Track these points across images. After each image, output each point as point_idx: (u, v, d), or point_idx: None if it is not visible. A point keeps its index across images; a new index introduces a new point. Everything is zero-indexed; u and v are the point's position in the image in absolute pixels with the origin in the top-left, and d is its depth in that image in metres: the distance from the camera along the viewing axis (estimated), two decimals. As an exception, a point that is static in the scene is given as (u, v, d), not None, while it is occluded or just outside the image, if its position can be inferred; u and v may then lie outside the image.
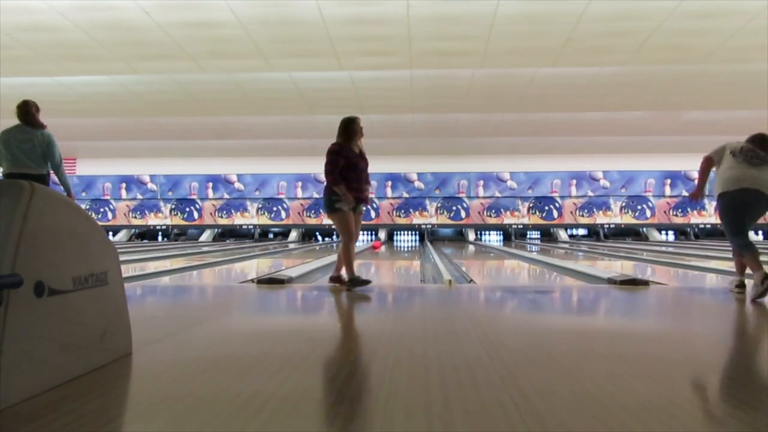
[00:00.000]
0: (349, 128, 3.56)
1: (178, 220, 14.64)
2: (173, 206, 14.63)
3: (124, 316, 1.45)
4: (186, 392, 1.18)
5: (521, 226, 14.24)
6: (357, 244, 3.62)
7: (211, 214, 14.57)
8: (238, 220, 14.52)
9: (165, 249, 10.21)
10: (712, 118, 10.18)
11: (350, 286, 3.38)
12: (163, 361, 1.48)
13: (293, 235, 14.42)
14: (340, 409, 1.04)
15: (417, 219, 14.15)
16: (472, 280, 4.68)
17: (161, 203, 14.64)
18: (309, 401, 1.10)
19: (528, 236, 14.54)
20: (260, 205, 14.46)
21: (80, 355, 1.25)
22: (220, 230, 14.75)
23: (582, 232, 14.83)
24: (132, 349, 1.48)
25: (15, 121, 4.03)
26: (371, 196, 14.60)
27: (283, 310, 2.84)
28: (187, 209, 14.60)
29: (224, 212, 14.53)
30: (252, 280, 3.94)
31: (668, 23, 5.71)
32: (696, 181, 3.60)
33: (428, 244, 12.32)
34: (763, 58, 6.54)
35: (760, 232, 13.76)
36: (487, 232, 14.49)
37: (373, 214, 13.85)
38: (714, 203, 3.56)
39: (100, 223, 1.52)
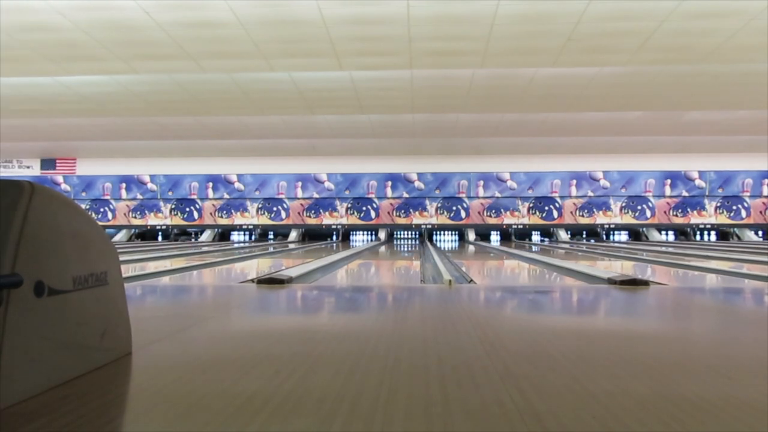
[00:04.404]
0: None
1: (178, 220, 14.64)
2: (173, 206, 14.64)
3: (124, 316, 1.45)
4: (186, 392, 1.18)
5: (521, 226, 14.26)
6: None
7: (211, 214, 14.58)
8: (238, 220, 14.53)
9: (165, 249, 10.21)
10: (712, 118, 10.19)
11: None
12: (163, 360, 1.48)
13: (293, 235, 14.43)
14: (340, 409, 1.04)
15: (417, 219, 14.15)
16: (472, 280, 4.68)
17: (161, 203, 14.65)
18: (309, 401, 1.10)
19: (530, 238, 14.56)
20: (260, 205, 14.46)
21: (80, 355, 1.25)
22: (220, 230, 14.77)
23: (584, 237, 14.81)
24: (132, 349, 1.48)
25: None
26: (371, 196, 14.52)
27: (283, 310, 2.84)
28: (187, 209, 14.61)
29: (224, 212, 14.54)
30: (252, 280, 3.94)
31: (668, 23, 5.71)
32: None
33: (428, 243, 12.31)
34: (763, 58, 6.54)
35: (760, 232, 13.75)
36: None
37: (373, 214, 13.86)
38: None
39: (99, 223, 1.52)
